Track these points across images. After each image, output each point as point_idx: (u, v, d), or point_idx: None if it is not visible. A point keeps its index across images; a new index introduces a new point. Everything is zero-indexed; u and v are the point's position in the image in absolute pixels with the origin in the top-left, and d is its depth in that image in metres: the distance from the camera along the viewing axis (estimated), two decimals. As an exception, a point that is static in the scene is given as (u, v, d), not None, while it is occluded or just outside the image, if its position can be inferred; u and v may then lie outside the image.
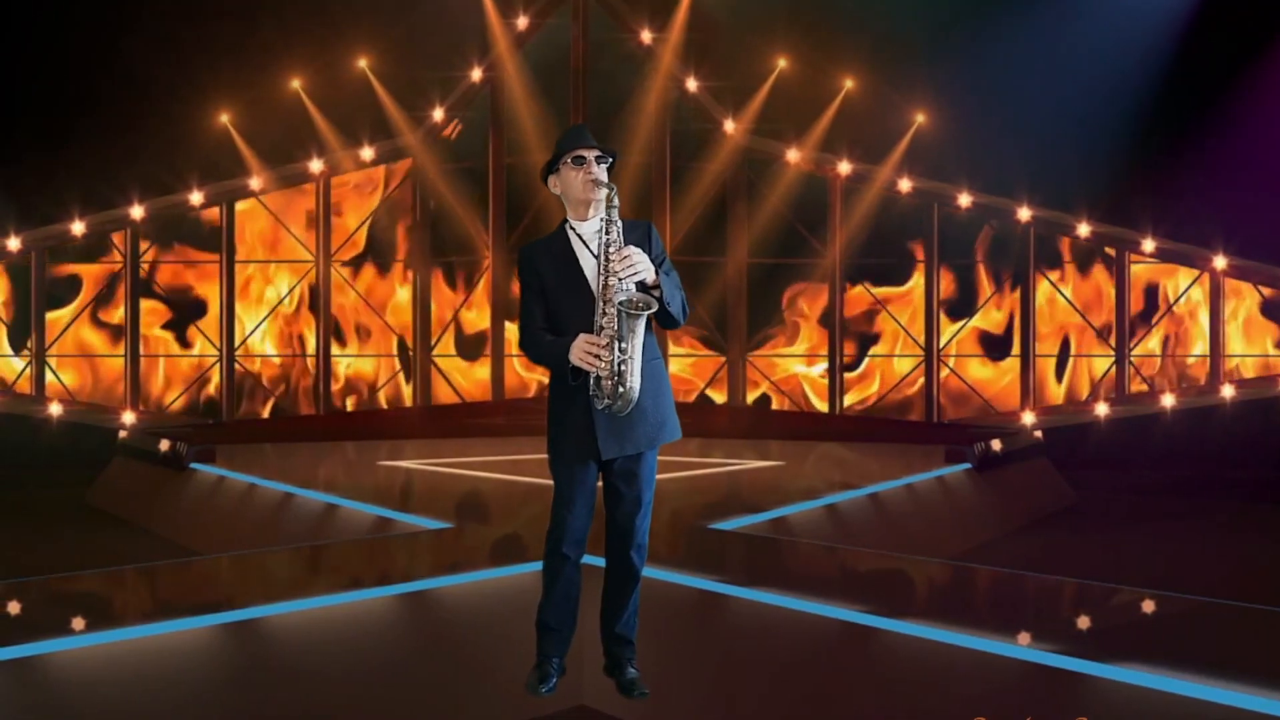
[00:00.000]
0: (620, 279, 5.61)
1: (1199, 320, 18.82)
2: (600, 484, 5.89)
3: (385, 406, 19.82)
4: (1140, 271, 18.97)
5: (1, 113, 18.36)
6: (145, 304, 19.07)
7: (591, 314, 5.68)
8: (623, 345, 5.59)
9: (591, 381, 5.66)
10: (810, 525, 11.65)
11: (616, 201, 5.71)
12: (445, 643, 7.71)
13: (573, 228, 5.84)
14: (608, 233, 5.68)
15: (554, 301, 5.79)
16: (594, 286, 5.72)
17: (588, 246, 5.79)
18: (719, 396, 19.99)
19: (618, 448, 5.74)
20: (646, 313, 5.62)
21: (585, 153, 5.79)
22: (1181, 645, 7.01)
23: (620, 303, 5.57)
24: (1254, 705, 5.82)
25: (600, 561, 6.00)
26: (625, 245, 5.67)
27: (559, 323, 5.78)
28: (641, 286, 5.66)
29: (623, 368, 5.60)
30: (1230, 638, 7.28)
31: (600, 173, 5.78)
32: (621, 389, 5.61)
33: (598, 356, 5.60)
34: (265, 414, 19.54)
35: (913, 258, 19.57)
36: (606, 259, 5.65)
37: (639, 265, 5.63)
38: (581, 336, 5.62)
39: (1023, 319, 19.42)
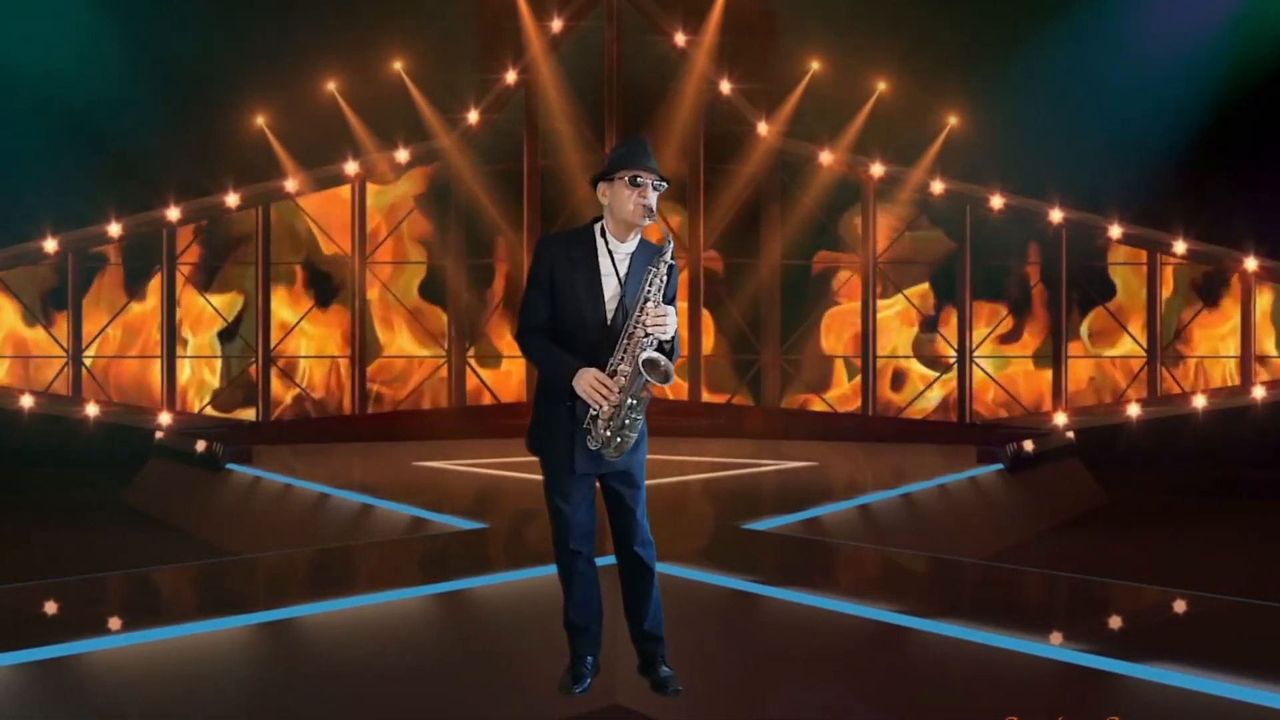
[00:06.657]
0: (648, 333, 5.52)
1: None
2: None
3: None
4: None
5: (44, 117, 18.49)
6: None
7: (597, 332, 5.60)
8: (631, 403, 5.52)
9: (588, 417, 5.57)
10: (843, 525, 11.65)
11: (670, 257, 5.59)
12: (479, 643, 7.73)
13: (605, 238, 5.68)
14: (650, 283, 5.54)
15: (562, 305, 5.64)
16: (608, 307, 5.61)
17: (614, 264, 5.66)
18: (752, 397, 20.02)
19: (593, 466, 5.67)
20: (655, 380, 5.51)
21: (645, 177, 5.59)
22: (1213, 645, 7.00)
23: (643, 362, 5.47)
24: (1286, 705, 5.82)
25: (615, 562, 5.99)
26: (661, 300, 5.56)
27: (562, 329, 5.65)
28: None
29: (626, 422, 5.54)
30: (1262, 638, 7.27)
31: (654, 200, 5.60)
32: (618, 440, 5.55)
33: (605, 399, 5.51)
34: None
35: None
36: (642, 308, 5.52)
37: (669, 327, 5.54)
38: (593, 372, 5.51)
39: (1054, 320, 19.42)
